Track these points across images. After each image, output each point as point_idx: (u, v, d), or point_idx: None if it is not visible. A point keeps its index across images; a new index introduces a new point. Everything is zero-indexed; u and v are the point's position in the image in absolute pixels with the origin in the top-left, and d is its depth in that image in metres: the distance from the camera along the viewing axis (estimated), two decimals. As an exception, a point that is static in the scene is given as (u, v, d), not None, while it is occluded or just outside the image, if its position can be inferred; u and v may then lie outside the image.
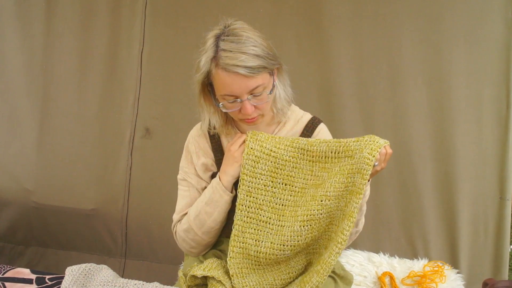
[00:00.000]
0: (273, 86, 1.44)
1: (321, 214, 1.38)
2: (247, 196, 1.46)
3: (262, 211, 1.46)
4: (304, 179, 1.43)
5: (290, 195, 1.45)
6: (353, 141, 1.34)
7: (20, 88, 2.85)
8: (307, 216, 1.39)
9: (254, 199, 1.46)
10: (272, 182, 1.46)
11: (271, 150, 1.45)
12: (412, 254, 2.32)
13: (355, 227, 1.50)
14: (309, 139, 1.44)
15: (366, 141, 1.31)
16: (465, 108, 2.25)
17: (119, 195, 2.70)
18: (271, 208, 1.46)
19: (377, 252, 2.24)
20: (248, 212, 1.47)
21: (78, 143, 2.77)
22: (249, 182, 1.46)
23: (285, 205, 1.45)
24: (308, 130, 1.56)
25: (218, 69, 1.34)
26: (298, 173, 1.44)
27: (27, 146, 2.84)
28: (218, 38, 1.36)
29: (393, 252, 2.25)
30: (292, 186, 1.44)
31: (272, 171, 1.46)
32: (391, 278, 2.02)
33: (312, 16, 2.42)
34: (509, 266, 2.28)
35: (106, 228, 2.74)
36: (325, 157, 1.39)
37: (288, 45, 2.43)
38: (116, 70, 2.71)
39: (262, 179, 1.46)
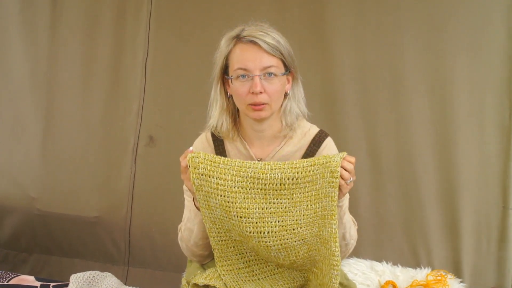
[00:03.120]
0: (286, 93, 1.51)
1: (295, 241, 1.39)
2: (212, 224, 1.43)
3: (232, 234, 1.44)
4: (259, 208, 1.36)
5: (249, 227, 1.37)
6: (310, 165, 1.32)
7: (24, 95, 2.87)
8: (281, 245, 1.39)
9: (220, 226, 1.43)
10: (227, 215, 1.38)
11: (218, 184, 1.35)
12: (415, 263, 2.31)
13: (342, 240, 1.49)
14: (258, 166, 1.35)
15: (322, 164, 1.30)
16: (467, 117, 2.25)
17: (122, 203, 2.70)
18: (238, 234, 1.42)
19: (380, 260, 2.24)
20: (220, 236, 1.45)
21: (82, 151, 2.78)
22: (209, 213, 1.40)
23: (248, 236, 1.39)
24: (315, 144, 1.55)
25: (238, 44, 1.45)
26: (251, 203, 1.36)
27: (31, 153, 2.85)
28: (244, 25, 1.47)
29: (396, 261, 2.25)
30: (248, 218, 1.36)
31: (223, 205, 1.36)
32: (394, 287, 2.02)
33: (315, 25, 2.43)
34: (513, 275, 2.27)
35: (109, 236, 2.74)
36: (280, 184, 1.33)
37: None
38: (120, 78, 2.72)
39: (218, 212, 1.39)
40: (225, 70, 1.50)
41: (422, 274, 2.12)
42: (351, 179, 1.33)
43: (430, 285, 2.01)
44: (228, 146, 1.58)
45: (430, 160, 2.30)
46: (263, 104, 1.43)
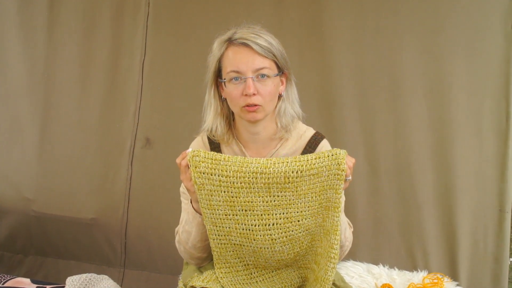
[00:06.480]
0: (280, 94, 1.52)
1: (300, 233, 1.40)
2: (213, 226, 1.43)
3: (232, 237, 1.44)
4: (263, 201, 1.36)
5: (254, 220, 1.39)
6: (314, 158, 1.32)
7: (21, 96, 2.86)
8: (286, 237, 1.40)
9: (221, 227, 1.43)
10: (231, 210, 1.39)
11: (220, 181, 1.35)
12: (411, 266, 2.30)
13: None
14: (260, 161, 1.34)
15: (328, 157, 1.32)
16: (465, 120, 2.25)
17: (119, 205, 2.69)
18: (239, 234, 1.42)
19: (376, 263, 2.24)
20: (220, 239, 1.46)
21: (79, 152, 2.77)
22: (210, 214, 1.41)
23: (253, 230, 1.40)
24: (311, 146, 1.56)
25: (229, 47, 1.45)
26: (255, 197, 1.36)
27: (28, 155, 2.84)
28: (237, 28, 1.47)
29: (393, 263, 2.25)
30: (253, 211, 1.38)
31: (228, 201, 1.37)
32: (391, 290, 2.02)
33: (314, 27, 2.43)
34: (509, 278, 2.27)
35: (105, 238, 2.73)
36: (284, 178, 1.32)
37: (290, 56, 2.40)
38: (117, 79, 2.72)
39: (221, 210, 1.39)
40: (218, 73, 1.50)
41: (418, 277, 2.12)
42: (349, 178, 1.34)
43: (427, 288, 2.01)
44: (224, 149, 1.59)
45: (427, 163, 2.30)
46: (256, 105, 1.43)
